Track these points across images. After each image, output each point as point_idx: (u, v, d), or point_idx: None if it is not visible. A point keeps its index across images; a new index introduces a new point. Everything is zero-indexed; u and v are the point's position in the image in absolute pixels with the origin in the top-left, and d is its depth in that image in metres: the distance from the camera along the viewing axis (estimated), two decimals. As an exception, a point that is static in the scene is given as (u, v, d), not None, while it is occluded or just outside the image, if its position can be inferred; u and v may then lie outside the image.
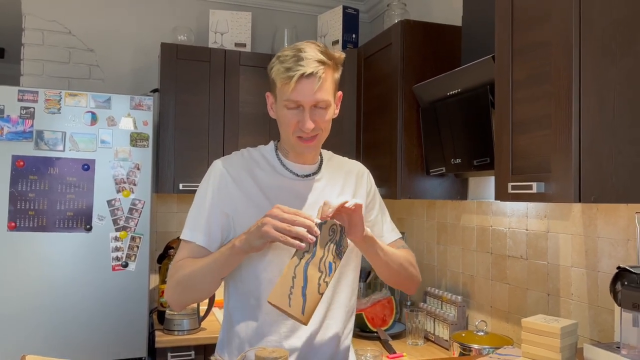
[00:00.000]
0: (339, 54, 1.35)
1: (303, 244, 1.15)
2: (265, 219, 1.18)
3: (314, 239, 1.15)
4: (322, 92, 1.29)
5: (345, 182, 1.47)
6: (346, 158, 1.57)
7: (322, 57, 1.28)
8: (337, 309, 1.40)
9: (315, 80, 1.27)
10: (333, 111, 1.36)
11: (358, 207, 1.22)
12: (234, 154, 1.45)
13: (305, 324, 1.16)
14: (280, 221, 1.16)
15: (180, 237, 1.38)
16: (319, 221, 1.18)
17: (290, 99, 1.29)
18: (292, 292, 1.13)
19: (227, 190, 1.36)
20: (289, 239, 1.15)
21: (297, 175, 1.41)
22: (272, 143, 1.47)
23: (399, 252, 1.45)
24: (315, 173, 1.43)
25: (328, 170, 1.46)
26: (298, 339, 1.35)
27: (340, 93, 1.40)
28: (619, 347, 1.32)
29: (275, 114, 1.38)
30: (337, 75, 1.36)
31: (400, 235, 1.57)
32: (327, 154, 1.52)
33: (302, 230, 1.15)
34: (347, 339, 1.47)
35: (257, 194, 1.36)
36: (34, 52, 2.91)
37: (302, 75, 1.25)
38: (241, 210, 1.34)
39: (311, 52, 1.28)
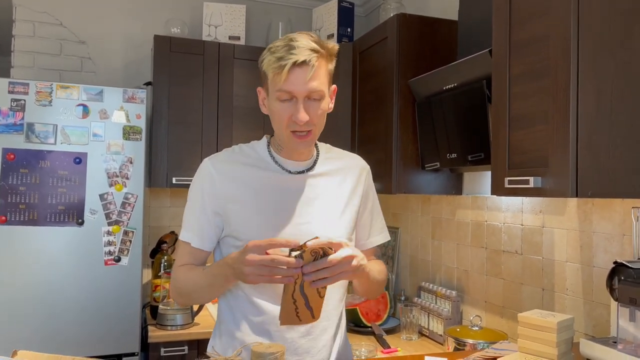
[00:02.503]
0: (333, 44, 1.31)
1: (291, 278, 1.14)
2: (246, 269, 1.15)
3: (299, 270, 1.13)
4: (316, 82, 1.25)
5: (344, 179, 1.43)
6: (346, 151, 1.52)
7: (315, 45, 1.25)
8: (331, 310, 1.39)
9: (308, 68, 1.23)
10: (327, 104, 1.32)
11: (358, 268, 1.21)
12: (223, 151, 1.42)
13: (317, 320, 1.24)
14: (259, 271, 1.14)
15: (179, 238, 1.39)
16: (296, 252, 1.14)
17: (282, 89, 1.24)
18: (298, 311, 1.19)
19: (216, 190, 1.34)
20: (276, 279, 1.16)
21: (290, 171, 1.37)
22: (265, 138, 1.43)
23: (379, 267, 1.45)
24: (309, 169, 1.39)
25: (324, 166, 1.42)
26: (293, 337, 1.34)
27: (334, 87, 1.36)
28: (615, 342, 1.32)
29: (267, 109, 1.34)
30: (331, 66, 1.31)
31: (389, 238, 1.56)
32: (324, 147, 1.48)
33: (284, 273, 1.14)
34: (344, 335, 1.46)
35: (246, 191, 1.33)
36: (24, 43, 2.87)
37: (294, 64, 1.21)
38: (231, 209, 1.33)
39: (303, 41, 1.24)
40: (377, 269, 1.42)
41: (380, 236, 1.52)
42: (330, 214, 1.38)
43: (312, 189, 1.38)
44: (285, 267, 1.13)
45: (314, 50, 1.24)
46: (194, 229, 1.36)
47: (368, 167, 1.52)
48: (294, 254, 1.13)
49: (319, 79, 1.26)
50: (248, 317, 1.35)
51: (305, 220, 1.34)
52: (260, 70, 1.31)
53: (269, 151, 1.39)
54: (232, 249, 1.35)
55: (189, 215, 1.38)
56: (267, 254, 1.14)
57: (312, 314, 1.21)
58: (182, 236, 1.38)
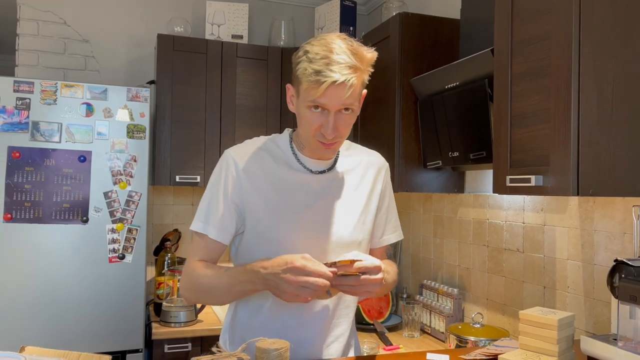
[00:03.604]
0: (371, 54, 1.26)
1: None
2: (286, 287, 1.14)
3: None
4: (351, 98, 1.22)
5: (363, 177, 1.43)
6: (365, 148, 1.51)
7: (354, 61, 1.20)
8: (342, 309, 1.40)
9: (345, 88, 1.19)
10: (357, 113, 1.30)
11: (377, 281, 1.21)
12: (246, 143, 1.39)
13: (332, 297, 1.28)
14: (298, 291, 1.13)
15: (192, 229, 1.34)
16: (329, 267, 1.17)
17: (316, 102, 1.22)
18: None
19: (238, 182, 1.32)
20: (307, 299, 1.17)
21: (311, 171, 1.36)
22: (287, 133, 1.41)
23: (392, 270, 1.45)
24: (330, 169, 1.39)
25: (344, 164, 1.41)
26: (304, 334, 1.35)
27: (365, 92, 1.32)
28: (615, 339, 1.33)
29: (295, 108, 1.31)
30: (367, 77, 1.28)
31: (402, 237, 1.56)
32: (344, 143, 1.45)
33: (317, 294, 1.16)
34: (354, 333, 1.48)
35: (268, 188, 1.32)
36: (28, 42, 2.88)
37: (332, 83, 1.18)
38: (250, 203, 1.32)
39: (343, 55, 1.19)
40: (390, 272, 1.42)
41: (394, 235, 1.52)
42: (350, 213, 1.38)
43: (333, 188, 1.37)
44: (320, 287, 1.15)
45: (352, 68, 1.20)
46: (212, 220, 1.31)
47: (387, 164, 1.51)
48: (327, 269, 1.16)
49: (354, 94, 1.23)
50: (257, 315, 1.36)
51: (326, 219, 1.34)
52: (293, 69, 1.27)
53: (292, 147, 1.38)
54: (249, 245, 1.34)
55: (208, 206, 1.33)
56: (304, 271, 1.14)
57: (330, 295, 1.24)
58: (197, 227, 1.33)
